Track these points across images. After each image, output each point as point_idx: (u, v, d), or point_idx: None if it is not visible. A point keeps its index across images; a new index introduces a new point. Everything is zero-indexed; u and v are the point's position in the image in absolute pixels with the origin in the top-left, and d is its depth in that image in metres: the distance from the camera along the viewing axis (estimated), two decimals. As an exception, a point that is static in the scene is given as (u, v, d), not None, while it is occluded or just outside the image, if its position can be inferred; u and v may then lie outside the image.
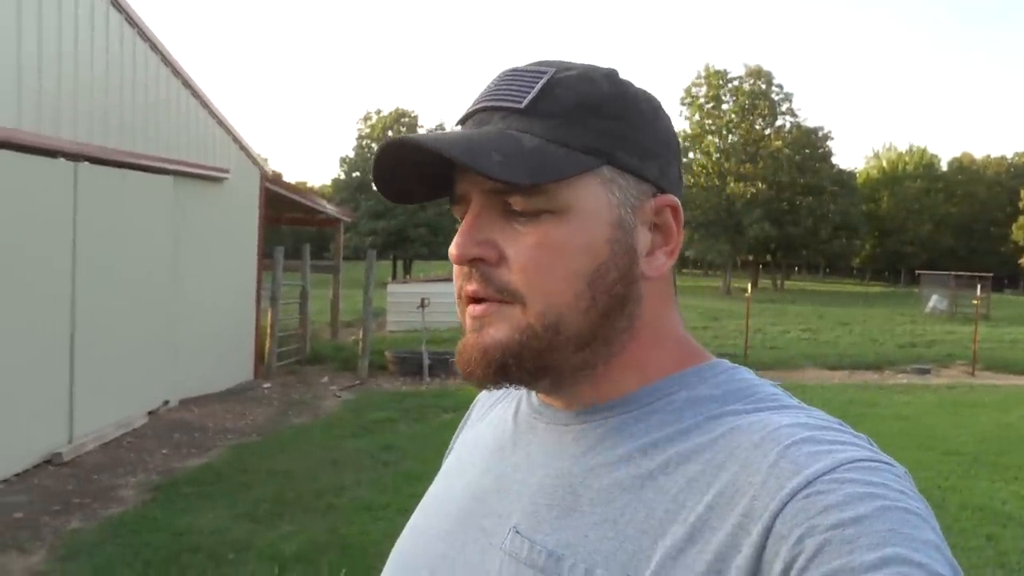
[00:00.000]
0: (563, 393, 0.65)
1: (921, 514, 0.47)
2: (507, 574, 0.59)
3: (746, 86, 41.93)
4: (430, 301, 11.44)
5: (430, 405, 8.54)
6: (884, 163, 60.77)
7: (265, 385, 9.72)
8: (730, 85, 42.23)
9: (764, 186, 39.44)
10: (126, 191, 6.98)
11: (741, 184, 39.54)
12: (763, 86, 41.87)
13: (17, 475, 5.47)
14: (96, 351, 6.41)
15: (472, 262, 0.60)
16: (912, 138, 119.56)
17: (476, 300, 0.61)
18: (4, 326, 5.37)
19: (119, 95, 7.29)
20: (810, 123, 44.77)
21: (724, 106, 42.51)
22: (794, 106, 45.61)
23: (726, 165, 40.95)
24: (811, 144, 42.53)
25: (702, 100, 42.65)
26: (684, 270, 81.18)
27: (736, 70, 45.28)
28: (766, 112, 41.68)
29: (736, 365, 0.64)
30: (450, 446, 0.84)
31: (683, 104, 43.35)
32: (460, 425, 0.85)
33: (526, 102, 0.60)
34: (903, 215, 54.76)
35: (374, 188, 0.67)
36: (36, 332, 5.76)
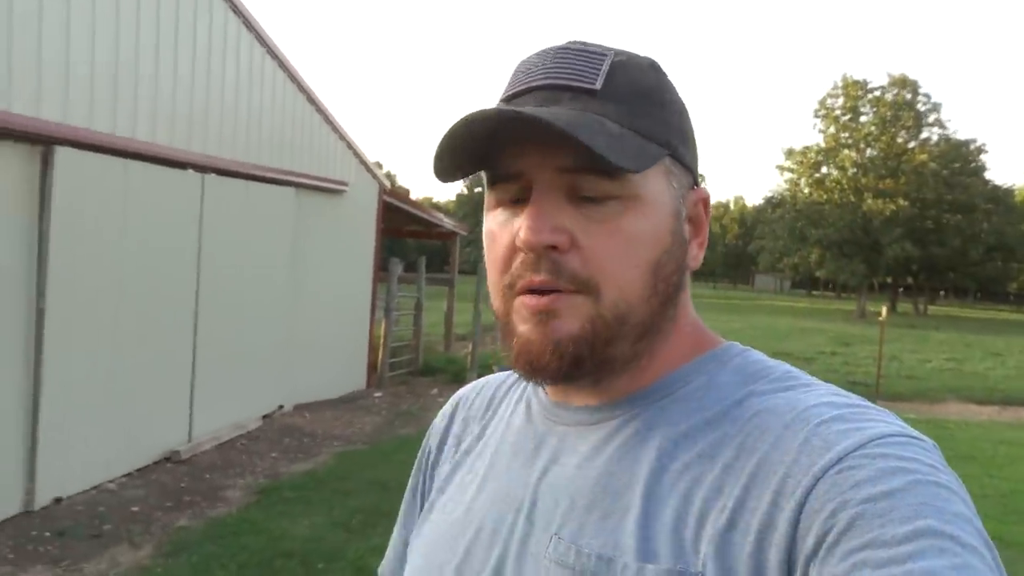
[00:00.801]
0: (601, 387, 0.62)
1: (952, 487, 0.48)
2: None
3: (888, 96, 39.28)
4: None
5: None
6: (1048, 179, 55.28)
7: (376, 394, 9.91)
8: (870, 96, 39.73)
9: (906, 203, 36.68)
10: (249, 202, 7.30)
11: (880, 201, 37.00)
12: (908, 96, 39.07)
13: (138, 470, 5.77)
14: (216, 355, 6.71)
15: (545, 249, 0.57)
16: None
17: (541, 291, 0.58)
18: (133, 328, 5.69)
19: (247, 111, 7.66)
20: (960, 135, 41.51)
21: (863, 118, 40.03)
22: (942, 117, 42.41)
23: (863, 180, 38.44)
24: (961, 158, 39.26)
25: (838, 112, 40.34)
26: (815, 292, 77.21)
27: (878, 79, 42.67)
28: (910, 124, 38.83)
29: (747, 347, 0.65)
30: (424, 463, 0.80)
31: (817, 116, 41.12)
32: (430, 442, 0.80)
33: (600, 83, 0.58)
34: (1070, 236, 49.57)
35: (437, 159, 0.60)
36: (162, 334, 6.08)
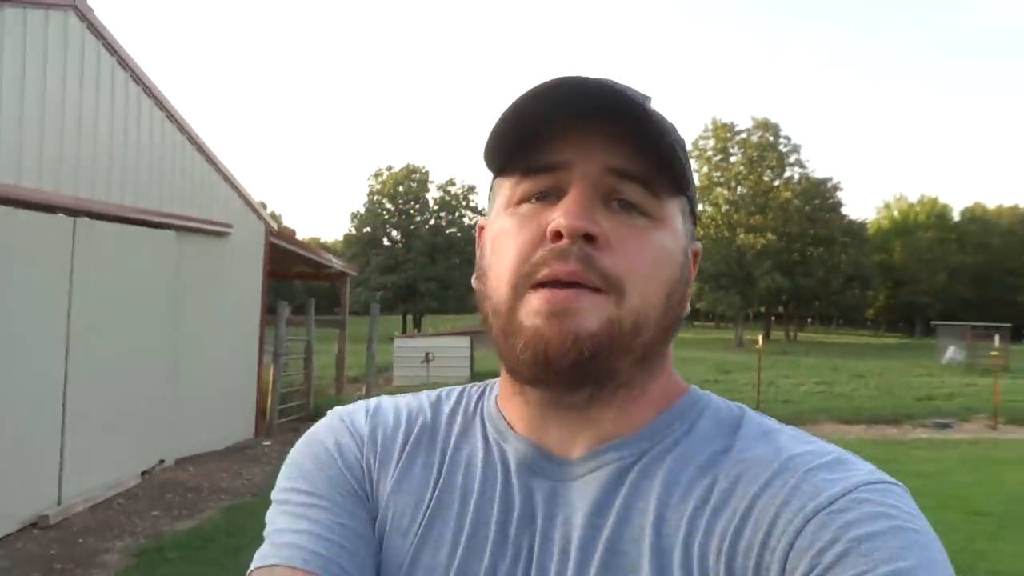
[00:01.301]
0: (589, 414, 0.60)
1: (929, 534, 0.51)
2: None
3: (754, 138, 42.27)
4: (435, 356, 11.28)
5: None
6: (895, 213, 60.75)
7: (265, 443, 9.52)
8: (738, 137, 42.59)
9: (774, 237, 39.38)
10: (125, 246, 6.93)
11: (751, 235, 39.50)
12: (771, 138, 42.18)
13: (0, 540, 5.27)
14: (89, 410, 6.27)
15: (583, 239, 0.55)
16: (923, 188, 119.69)
17: (565, 284, 0.55)
18: (-7, 384, 5.24)
19: (123, 151, 7.32)
20: (819, 174, 44.94)
21: (732, 158, 42.80)
22: (802, 157, 45.89)
23: (735, 217, 40.99)
24: (820, 195, 42.58)
25: (710, 153, 42.98)
26: (696, 323, 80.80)
27: (743, 123, 45.78)
28: (775, 163, 41.89)
29: (703, 391, 0.66)
30: (352, 462, 0.65)
31: (691, 157, 43.56)
32: (350, 445, 0.66)
33: (647, 104, 0.58)
34: (916, 265, 54.40)
35: (501, 125, 0.57)
36: (26, 390, 5.63)
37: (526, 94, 0.56)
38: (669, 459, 0.59)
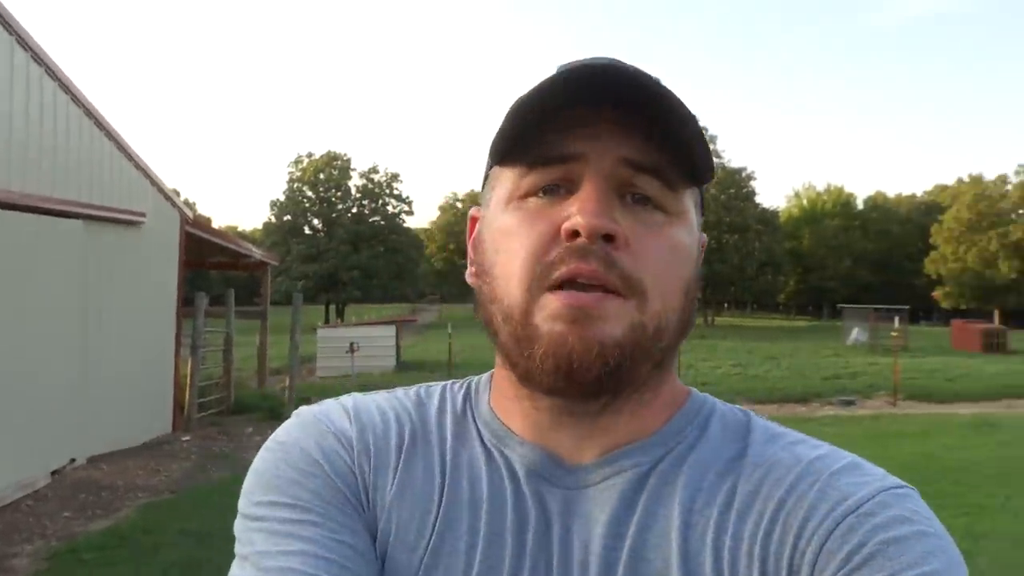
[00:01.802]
0: (601, 419, 0.58)
1: (947, 539, 0.52)
2: None
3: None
4: (359, 346, 11.17)
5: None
6: (804, 202, 63.37)
7: (184, 438, 9.25)
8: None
9: (693, 225, 40.58)
10: (29, 237, 6.59)
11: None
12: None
13: None
14: (-8, 408, 5.95)
15: (602, 238, 0.52)
16: (830, 177, 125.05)
17: (586, 287, 0.52)
18: None
19: (24, 136, 6.93)
20: (734, 164, 46.47)
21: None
22: (719, 147, 47.17)
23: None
24: (735, 184, 44.04)
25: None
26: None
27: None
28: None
29: (704, 394, 0.64)
30: (345, 470, 0.59)
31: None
32: (343, 450, 0.60)
33: (665, 89, 0.54)
34: (823, 252, 56.98)
35: (518, 112, 0.53)
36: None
37: (536, 86, 0.53)
38: (687, 465, 0.57)
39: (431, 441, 0.62)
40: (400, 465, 0.60)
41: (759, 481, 0.56)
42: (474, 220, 0.64)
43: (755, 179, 48.31)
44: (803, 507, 0.53)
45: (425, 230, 64.10)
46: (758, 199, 46.13)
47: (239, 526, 0.58)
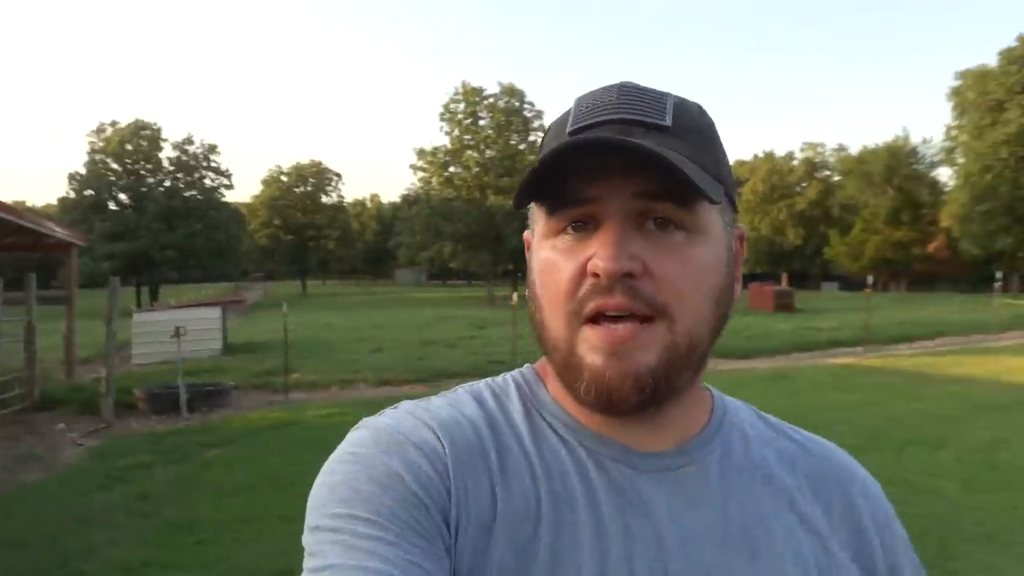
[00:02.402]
0: (658, 423, 0.63)
1: None
2: None
3: (501, 103, 44.00)
4: (187, 330, 10.54)
5: (191, 443, 7.86)
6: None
7: (-18, 440, 8.32)
8: (486, 102, 44.04)
9: (521, 199, 41.58)
10: None
11: (500, 197, 41.38)
12: (516, 104, 44.21)
13: None
14: None
15: (622, 276, 0.57)
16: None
17: (616, 318, 0.57)
18: None
19: None
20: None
21: (481, 122, 44.24)
22: (544, 123, 48.54)
23: (485, 179, 42.62)
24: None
25: (460, 116, 44.02)
26: (449, 282, 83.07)
27: (491, 88, 47.34)
28: (521, 128, 44.07)
29: (707, 385, 0.72)
30: (430, 497, 0.58)
31: (442, 120, 44.46)
32: (427, 475, 0.59)
33: (671, 121, 0.60)
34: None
35: (534, 180, 0.58)
36: None
37: (551, 151, 0.57)
38: (752, 450, 0.68)
39: (508, 439, 0.63)
40: (495, 468, 0.61)
41: (810, 474, 0.69)
42: (528, 242, 0.70)
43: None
44: (859, 505, 0.69)
45: (247, 205, 60.80)
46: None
47: (310, 539, 0.56)
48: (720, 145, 0.65)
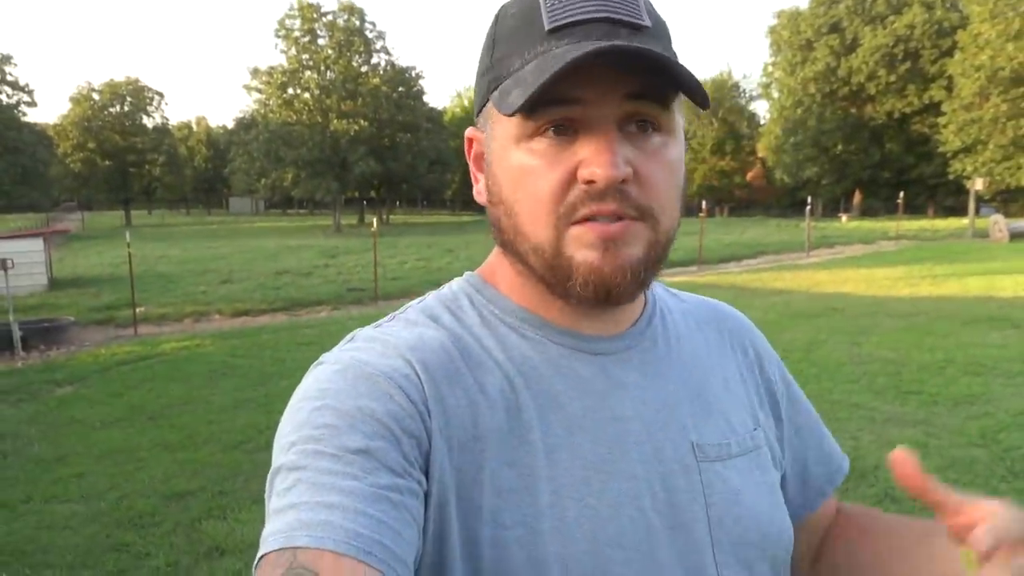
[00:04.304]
0: (614, 311, 0.67)
1: None
2: (740, 470, 0.68)
3: (340, 22, 41.91)
4: (14, 263, 9.62)
5: (37, 382, 7.37)
6: (466, 102, 66.55)
7: None
8: (325, 20, 41.77)
9: (366, 123, 40.34)
10: None
11: (344, 122, 39.88)
12: (357, 23, 42.27)
13: None
14: None
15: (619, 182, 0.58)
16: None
17: (611, 218, 0.59)
18: None
19: None
20: (403, 62, 46.70)
21: (320, 41, 42.00)
22: (388, 44, 46.99)
23: (327, 102, 40.80)
24: (405, 83, 44.50)
25: (297, 34, 41.52)
26: (289, 211, 79.69)
27: (329, 4, 44.73)
28: (362, 49, 42.30)
29: None
30: (403, 432, 0.57)
31: (278, 37, 41.71)
32: (402, 412, 0.58)
33: (648, 21, 0.60)
34: (486, 150, 60.77)
35: (536, 89, 0.55)
36: None
37: (548, 71, 0.55)
38: (677, 319, 0.75)
39: (476, 352, 0.64)
40: (471, 384, 0.62)
41: (707, 322, 0.79)
42: (471, 141, 0.69)
43: (423, 78, 49.26)
44: (749, 337, 0.81)
45: (55, 127, 54.47)
46: (426, 98, 47.31)
47: (275, 478, 0.55)
48: (672, 40, 0.64)
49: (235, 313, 11.55)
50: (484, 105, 0.65)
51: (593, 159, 0.57)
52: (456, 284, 0.72)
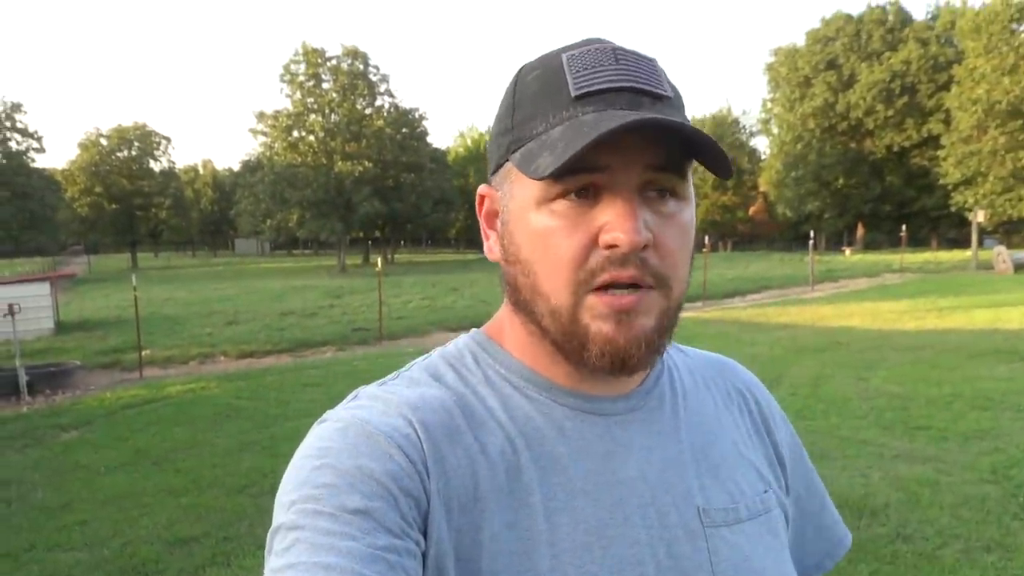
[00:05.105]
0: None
1: None
2: (741, 538, 0.66)
3: (344, 66, 42.65)
4: (21, 307, 9.67)
5: (43, 427, 7.35)
6: (469, 142, 67.29)
7: None
8: (329, 64, 42.52)
9: (371, 164, 40.82)
10: None
11: (349, 163, 40.35)
12: (361, 66, 43.00)
13: None
14: None
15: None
16: (490, 122, 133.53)
17: (624, 286, 0.59)
18: None
19: None
20: (406, 104, 47.42)
21: (325, 85, 42.71)
22: (392, 87, 47.74)
23: (332, 144, 41.33)
24: (409, 124, 45.10)
25: (302, 78, 42.25)
26: (295, 251, 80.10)
27: (333, 49, 45.51)
28: (366, 92, 42.97)
29: None
30: (403, 496, 0.57)
31: (283, 81, 42.45)
32: (401, 476, 0.57)
33: (669, 91, 0.61)
34: (488, 189, 61.30)
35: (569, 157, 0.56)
36: None
37: (578, 144, 0.56)
38: (683, 377, 0.74)
39: (479, 413, 0.64)
40: (472, 445, 0.62)
41: (715, 379, 0.78)
42: (483, 198, 0.70)
43: (427, 119, 49.94)
44: (756, 394, 0.79)
45: (64, 172, 55.18)
46: (429, 139, 47.89)
47: (274, 537, 0.55)
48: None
49: (240, 355, 11.56)
50: (502, 164, 0.65)
51: (616, 224, 0.58)
52: (462, 341, 0.72)
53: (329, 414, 0.63)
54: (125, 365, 10.81)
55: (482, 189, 0.70)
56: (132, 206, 55.27)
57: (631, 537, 0.62)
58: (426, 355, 0.71)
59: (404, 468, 0.57)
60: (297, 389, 8.58)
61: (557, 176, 0.58)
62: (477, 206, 0.71)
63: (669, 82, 0.62)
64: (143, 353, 10.78)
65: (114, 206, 54.63)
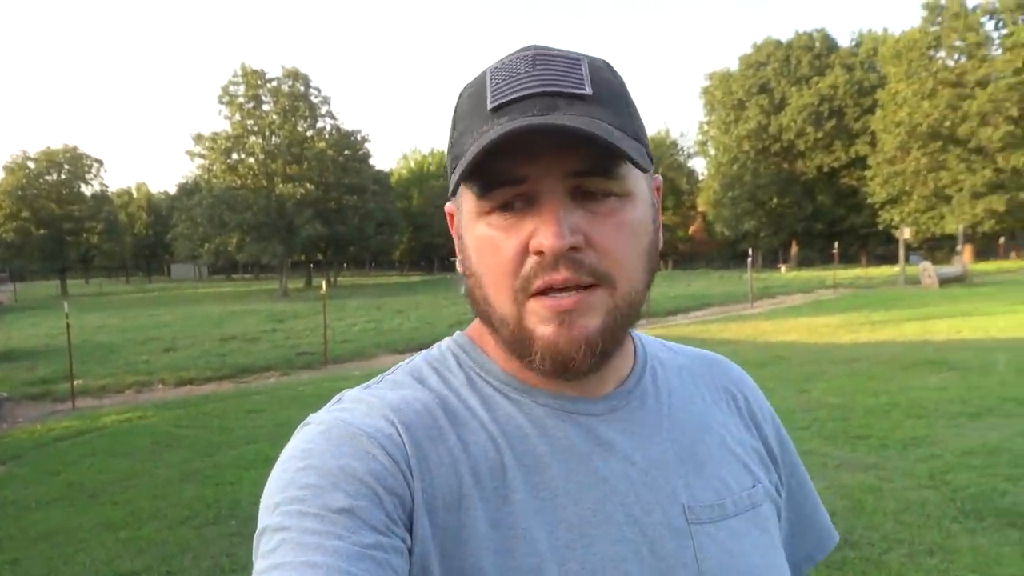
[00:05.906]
0: (598, 373, 0.66)
1: None
2: (728, 535, 0.66)
3: (285, 87, 42.19)
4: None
5: (-33, 461, 6.97)
6: (412, 164, 67.17)
7: None
8: (270, 86, 42.00)
9: (312, 187, 40.33)
10: None
11: (290, 185, 39.79)
12: (302, 88, 42.61)
13: None
14: None
15: (567, 251, 0.58)
16: (433, 143, 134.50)
17: (561, 289, 0.59)
18: None
19: None
20: (348, 126, 47.12)
21: (265, 107, 42.14)
22: (333, 109, 47.42)
23: (273, 166, 40.72)
24: (351, 146, 44.80)
25: (241, 100, 41.60)
26: (234, 276, 78.29)
27: (273, 70, 45.06)
28: (307, 114, 42.56)
29: None
30: (385, 494, 0.57)
31: (221, 103, 41.72)
32: (385, 474, 0.58)
33: (590, 89, 0.60)
34: (431, 210, 61.28)
35: (466, 169, 0.58)
36: None
37: (482, 142, 0.57)
38: (670, 374, 0.75)
39: (461, 413, 0.65)
40: (454, 445, 0.62)
41: (702, 375, 0.78)
42: (451, 214, 0.70)
43: (369, 141, 49.71)
44: (744, 390, 0.80)
45: (-15, 196, 52.81)
46: (372, 161, 47.64)
47: (260, 539, 0.55)
48: (632, 102, 0.64)
49: (179, 382, 11.19)
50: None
51: (540, 230, 0.58)
52: (445, 344, 0.73)
53: (312, 417, 0.64)
54: (56, 396, 10.33)
55: (447, 206, 0.71)
56: (62, 231, 53.19)
57: (614, 535, 0.62)
58: (410, 359, 0.72)
59: (387, 467, 0.58)
60: (240, 415, 8.34)
61: (480, 192, 0.60)
62: (448, 223, 0.72)
63: (597, 77, 0.61)
64: (76, 383, 10.34)
65: (42, 231, 52.45)
